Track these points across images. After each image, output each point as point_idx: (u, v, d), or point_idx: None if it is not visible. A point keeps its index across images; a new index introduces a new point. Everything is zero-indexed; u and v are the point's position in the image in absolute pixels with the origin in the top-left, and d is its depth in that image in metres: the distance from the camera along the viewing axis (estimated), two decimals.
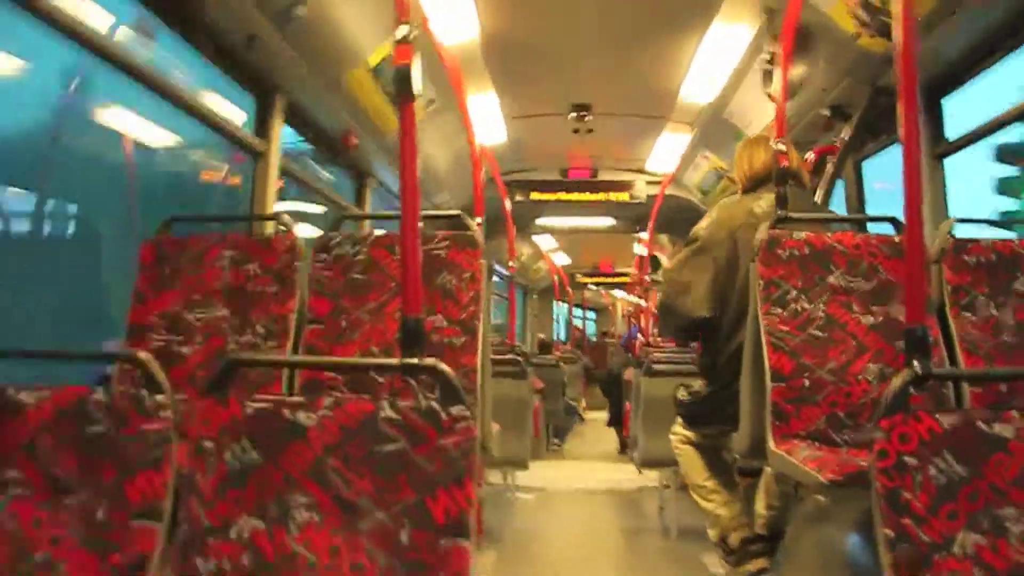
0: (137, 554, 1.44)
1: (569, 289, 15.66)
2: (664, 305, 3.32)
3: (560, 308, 18.53)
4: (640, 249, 8.33)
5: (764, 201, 3.16)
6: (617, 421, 10.43)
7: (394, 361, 1.62)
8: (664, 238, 11.38)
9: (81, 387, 1.56)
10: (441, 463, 1.44)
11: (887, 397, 1.52)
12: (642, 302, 9.00)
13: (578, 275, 17.27)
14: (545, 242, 13.06)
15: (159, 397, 1.52)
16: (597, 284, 18.82)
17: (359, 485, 1.45)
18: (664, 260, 12.74)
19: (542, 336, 13.68)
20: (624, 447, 10.13)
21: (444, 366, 1.54)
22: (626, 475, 7.53)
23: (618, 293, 20.71)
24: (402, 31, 1.70)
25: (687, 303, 3.16)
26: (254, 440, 1.49)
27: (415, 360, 1.60)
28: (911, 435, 1.46)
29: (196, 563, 1.44)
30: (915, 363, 1.59)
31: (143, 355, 1.57)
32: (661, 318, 3.50)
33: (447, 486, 1.43)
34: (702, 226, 3.27)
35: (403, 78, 1.70)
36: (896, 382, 1.54)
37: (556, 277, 13.96)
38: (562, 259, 14.84)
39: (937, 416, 1.48)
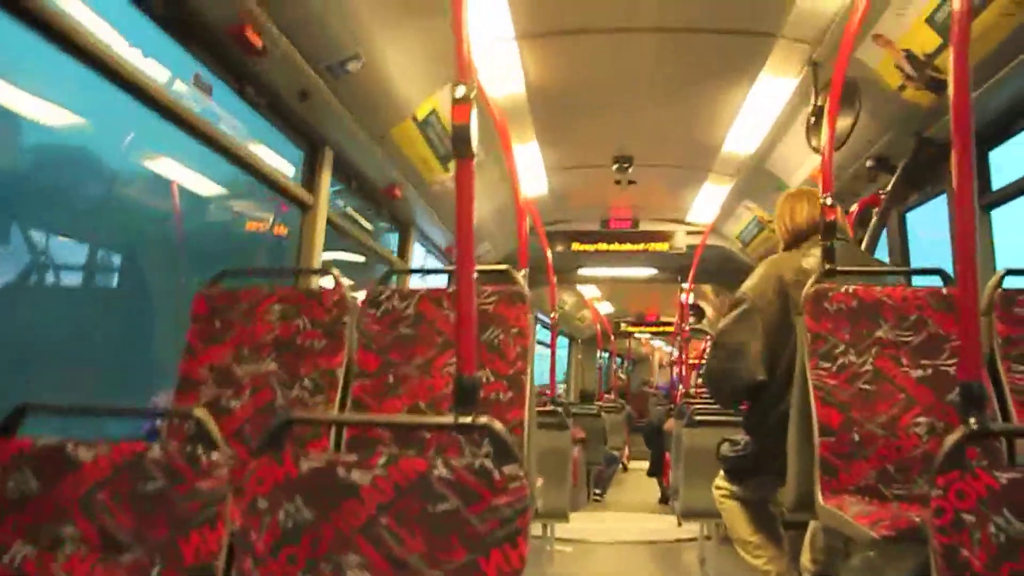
0: None
1: (612, 337, 15.56)
2: (716, 371, 3.22)
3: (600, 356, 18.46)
4: (683, 298, 8.32)
5: (813, 258, 3.08)
6: (658, 471, 10.34)
7: (448, 420, 1.61)
8: (708, 288, 11.33)
9: (138, 443, 1.58)
10: (494, 523, 1.44)
11: (943, 453, 1.50)
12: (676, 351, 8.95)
13: (623, 324, 17.19)
14: (589, 291, 13.04)
15: (215, 455, 1.54)
16: (642, 333, 18.73)
17: (411, 544, 1.45)
18: (708, 309, 12.74)
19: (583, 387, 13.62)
20: (665, 498, 10.03)
21: (498, 425, 1.54)
22: (665, 526, 7.44)
23: (655, 343, 20.54)
24: (461, 91, 1.72)
25: (741, 367, 3.07)
26: (308, 498, 1.50)
27: (469, 419, 1.60)
28: (968, 492, 1.44)
29: None
30: (972, 419, 1.57)
31: (200, 412, 1.58)
32: (712, 384, 3.34)
33: (500, 546, 1.42)
34: (749, 285, 3.19)
35: (462, 137, 1.73)
36: (952, 438, 1.52)
37: (599, 326, 13.93)
38: (606, 308, 14.80)
39: (995, 473, 1.45)
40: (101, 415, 1.79)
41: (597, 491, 10.16)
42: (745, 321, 3.11)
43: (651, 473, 10.53)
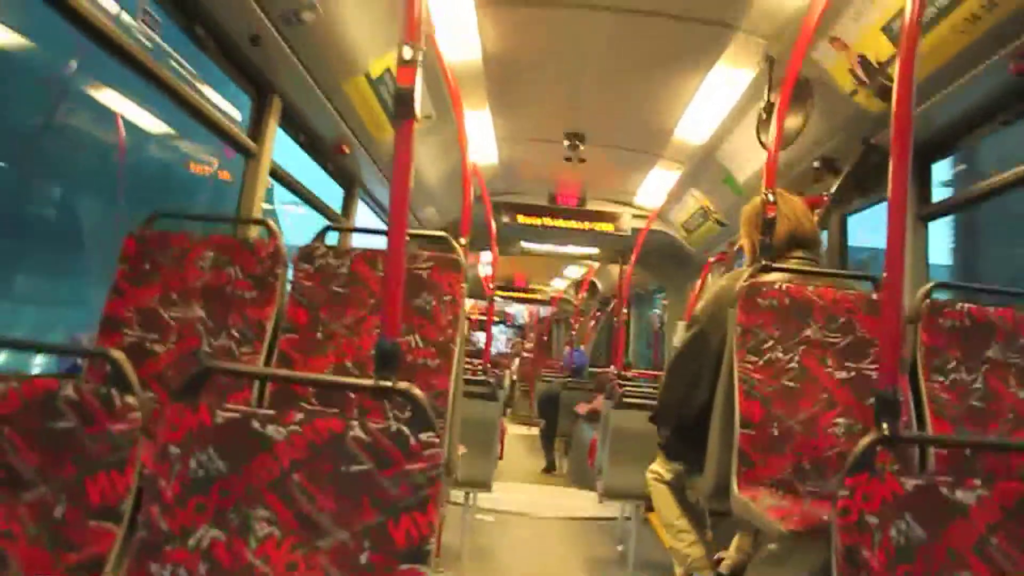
0: (93, 555, 1.42)
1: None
2: (671, 403, 3.16)
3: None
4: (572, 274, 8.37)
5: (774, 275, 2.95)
6: (548, 440, 10.45)
7: (368, 382, 1.60)
8: (615, 269, 11.26)
9: (51, 379, 1.53)
10: (406, 488, 1.43)
11: (853, 456, 1.53)
12: None
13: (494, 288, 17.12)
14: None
15: (129, 398, 1.50)
16: (509, 299, 18.99)
17: (322, 503, 1.44)
18: (599, 285, 13.09)
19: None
20: (551, 468, 10.19)
21: (417, 391, 1.53)
22: (583, 503, 7.53)
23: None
24: (407, 52, 1.69)
25: (699, 395, 2.97)
26: (221, 449, 1.48)
27: (388, 382, 1.59)
28: (874, 495, 1.48)
29: (151, 568, 1.42)
30: (884, 425, 1.60)
31: (116, 353, 1.54)
32: (666, 415, 3.25)
33: (410, 511, 1.42)
34: (700, 306, 3.08)
35: (404, 99, 1.69)
36: (863, 442, 1.55)
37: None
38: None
39: (901, 479, 1.49)
40: (15, 349, 1.74)
41: None
42: (698, 344, 3.03)
43: (544, 438, 10.61)
